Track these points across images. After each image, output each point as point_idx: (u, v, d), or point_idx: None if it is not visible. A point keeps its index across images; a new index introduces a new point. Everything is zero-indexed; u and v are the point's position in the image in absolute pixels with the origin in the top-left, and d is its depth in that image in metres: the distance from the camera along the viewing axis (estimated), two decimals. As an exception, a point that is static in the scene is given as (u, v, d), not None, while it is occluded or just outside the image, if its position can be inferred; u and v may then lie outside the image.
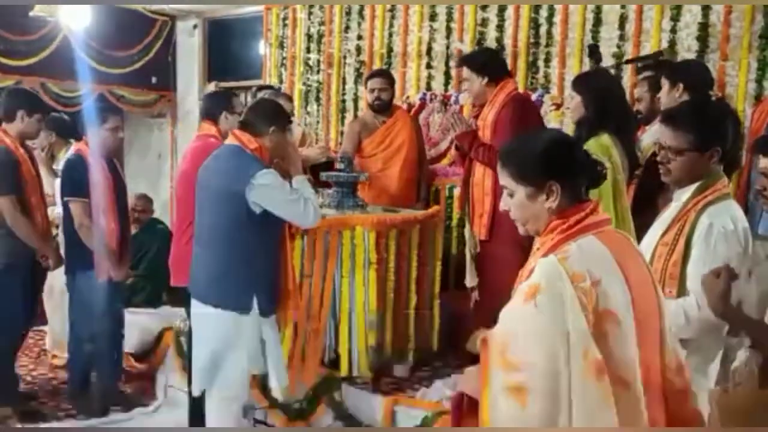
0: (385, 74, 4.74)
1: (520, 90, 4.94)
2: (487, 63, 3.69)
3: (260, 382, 4.01)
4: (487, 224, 3.60)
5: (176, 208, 3.62)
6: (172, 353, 4.53)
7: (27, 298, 4.06)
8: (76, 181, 3.80)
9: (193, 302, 3.16)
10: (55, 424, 4.00)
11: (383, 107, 4.56)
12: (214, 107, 3.64)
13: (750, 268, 3.15)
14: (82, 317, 3.97)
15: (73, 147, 4.04)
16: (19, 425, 3.92)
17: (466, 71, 3.71)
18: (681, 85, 3.20)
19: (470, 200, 3.72)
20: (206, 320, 3.10)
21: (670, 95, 3.22)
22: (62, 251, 4.09)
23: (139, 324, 4.76)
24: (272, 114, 3.14)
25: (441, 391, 3.62)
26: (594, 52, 4.23)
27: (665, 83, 3.26)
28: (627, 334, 1.53)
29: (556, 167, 1.65)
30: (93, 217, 3.80)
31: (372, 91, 4.56)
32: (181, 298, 5.20)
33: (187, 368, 3.36)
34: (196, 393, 3.20)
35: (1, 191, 3.77)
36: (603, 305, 1.51)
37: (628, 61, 4.52)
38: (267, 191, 2.96)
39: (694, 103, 2.82)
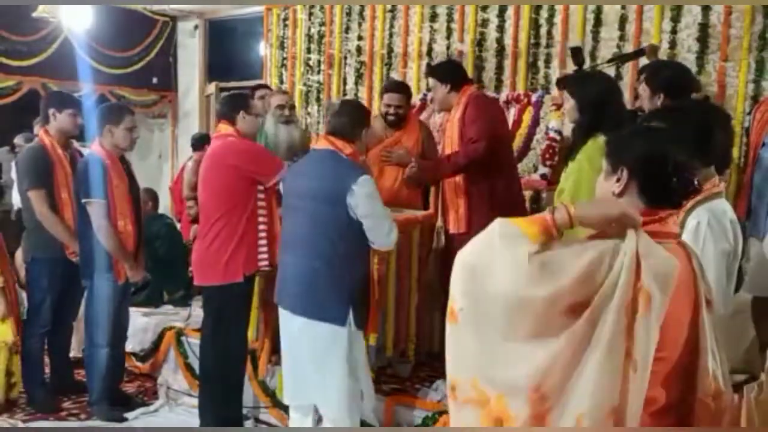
0: (402, 89, 4.39)
1: (519, 91, 5.02)
2: (449, 72, 3.84)
3: (261, 382, 4.04)
4: (465, 217, 3.69)
5: (200, 210, 3.61)
6: (173, 353, 4.54)
7: (56, 292, 4.10)
8: (93, 182, 3.79)
9: (283, 313, 3.12)
10: (55, 424, 4.01)
11: (396, 122, 4.32)
12: (231, 108, 3.64)
13: (753, 268, 3.15)
14: (101, 322, 3.95)
15: (90, 147, 4.04)
16: (22, 425, 3.94)
17: (432, 81, 3.88)
18: (661, 94, 3.21)
19: (443, 199, 3.79)
20: (300, 332, 3.06)
21: (652, 101, 3.24)
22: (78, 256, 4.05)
23: (140, 323, 4.78)
24: (361, 117, 3.18)
25: (442, 391, 3.63)
26: (576, 54, 4.24)
27: (646, 90, 3.28)
28: (652, 321, 1.49)
29: (634, 162, 1.61)
30: (111, 218, 3.81)
31: (388, 105, 4.29)
32: (181, 297, 5.29)
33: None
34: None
35: (32, 185, 3.97)
36: (646, 283, 1.48)
37: (609, 61, 4.50)
38: (365, 198, 2.94)
39: (675, 103, 2.88)
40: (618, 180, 1.62)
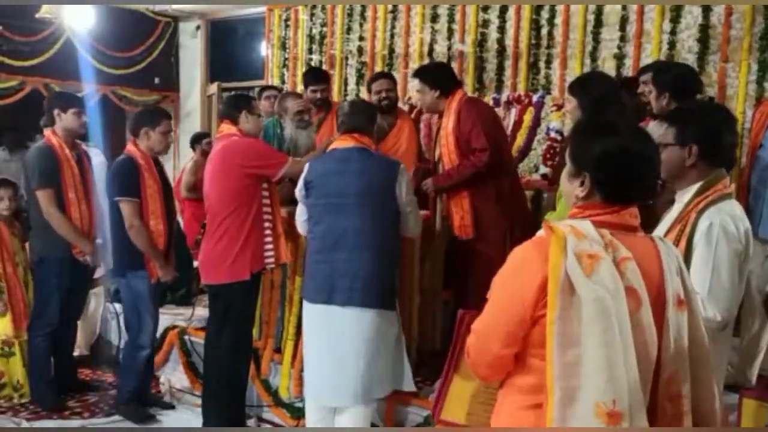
0: (388, 75, 4.70)
1: (520, 92, 5.04)
2: (439, 77, 3.80)
3: (264, 381, 4.06)
4: (470, 223, 3.69)
5: (207, 210, 3.62)
6: (176, 352, 4.56)
7: (64, 291, 4.13)
8: (127, 182, 3.81)
9: (327, 310, 3.13)
10: (59, 423, 4.02)
11: (389, 108, 4.44)
12: (234, 108, 3.67)
13: (751, 268, 3.18)
14: (143, 321, 3.95)
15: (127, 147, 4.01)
16: (26, 424, 3.96)
17: (418, 84, 3.81)
18: (667, 94, 3.24)
19: (447, 203, 3.81)
20: (353, 325, 3.09)
21: (658, 102, 3.27)
22: (111, 253, 4.06)
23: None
24: (373, 114, 3.39)
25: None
26: None
27: (653, 90, 3.31)
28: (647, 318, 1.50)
29: (596, 166, 1.60)
30: (143, 217, 3.82)
31: (378, 92, 4.45)
32: (184, 296, 5.31)
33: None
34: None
35: (39, 185, 4.00)
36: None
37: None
38: (407, 185, 3.17)
39: (683, 104, 2.90)
40: (582, 184, 1.62)
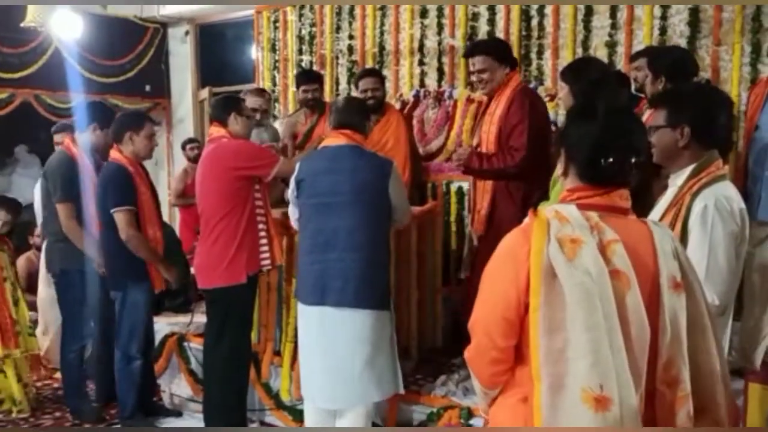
0: (375, 73, 4.62)
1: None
2: (507, 51, 3.63)
3: (264, 385, 4.03)
4: (484, 219, 3.59)
5: (201, 214, 3.57)
6: (176, 359, 4.52)
7: (83, 305, 4.07)
8: (121, 190, 3.73)
9: (322, 311, 3.10)
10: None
11: (376, 106, 4.40)
12: (223, 110, 3.62)
13: (749, 250, 3.17)
14: (137, 333, 3.89)
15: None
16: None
17: (486, 60, 3.51)
18: (663, 78, 3.22)
19: (473, 196, 3.73)
20: (346, 325, 3.06)
21: (653, 86, 3.25)
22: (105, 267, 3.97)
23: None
24: (367, 111, 3.37)
25: (446, 386, 3.61)
26: None
27: (649, 74, 3.28)
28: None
29: (569, 146, 1.65)
30: (141, 226, 3.75)
31: (364, 91, 4.42)
32: (182, 303, 5.27)
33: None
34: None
35: (60, 198, 3.95)
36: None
37: None
38: (398, 182, 3.16)
39: (677, 87, 2.90)
40: (559, 159, 1.67)
